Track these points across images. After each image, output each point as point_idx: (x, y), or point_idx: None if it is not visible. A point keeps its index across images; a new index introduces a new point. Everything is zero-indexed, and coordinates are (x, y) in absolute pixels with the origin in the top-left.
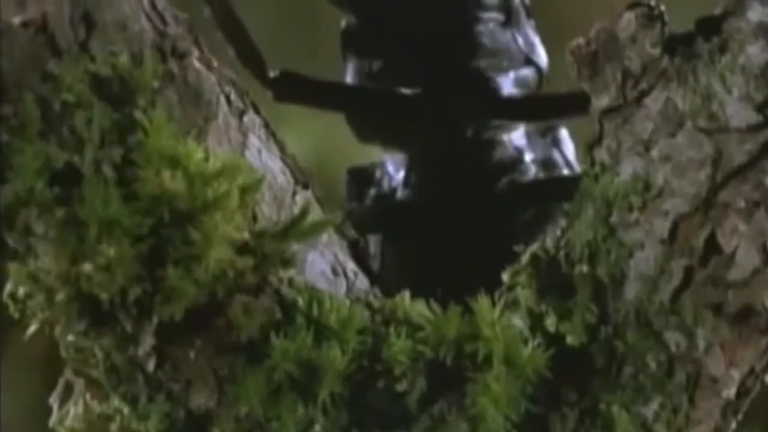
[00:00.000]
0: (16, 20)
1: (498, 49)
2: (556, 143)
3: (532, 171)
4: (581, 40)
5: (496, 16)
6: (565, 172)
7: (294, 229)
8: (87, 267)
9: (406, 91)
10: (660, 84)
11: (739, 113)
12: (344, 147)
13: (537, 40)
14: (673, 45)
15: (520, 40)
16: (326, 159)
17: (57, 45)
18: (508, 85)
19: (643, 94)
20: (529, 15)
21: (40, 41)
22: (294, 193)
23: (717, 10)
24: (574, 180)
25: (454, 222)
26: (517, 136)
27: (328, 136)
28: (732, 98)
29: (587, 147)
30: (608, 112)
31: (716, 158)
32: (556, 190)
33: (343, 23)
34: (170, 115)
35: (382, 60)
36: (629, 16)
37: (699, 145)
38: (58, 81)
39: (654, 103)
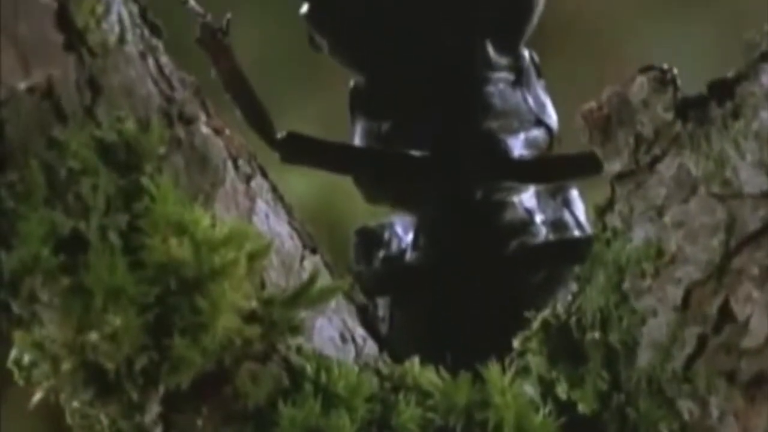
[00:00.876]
0: (22, 85)
1: (508, 110)
2: (567, 204)
3: (543, 233)
4: (593, 104)
5: (506, 76)
6: (576, 233)
7: (303, 296)
8: (93, 336)
9: (415, 153)
10: (673, 149)
11: (752, 179)
12: (351, 188)
13: (547, 101)
14: (686, 109)
15: (531, 101)
16: (333, 199)
17: (62, 110)
18: (518, 146)
19: (656, 159)
20: (539, 74)
21: (46, 107)
22: (302, 258)
23: (730, 74)
24: (585, 242)
25: (463, 285)
26: (527, 197)
27: (335, 177)
28: (745, 164)
29: (599, 211)
30: (621, 177)
31: (730, 224)
32: (566, 253)
33: (351, 83)
34: (177, 181)
35: (391, 121)
36: (641, 80)
37: (712, 211)
38: (64, 147)
39: (667, 168)
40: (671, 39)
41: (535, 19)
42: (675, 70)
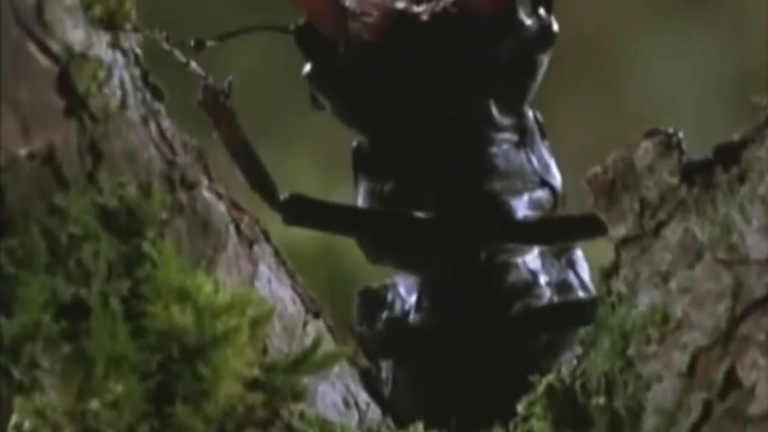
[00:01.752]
0: (22, 151)
1: (512, 171)
2: (571, 264)
3: (547, 295)
4: (598, 169)
5: (510, 136)
6: (581, 294)
7: (305, 362)
8: (94, 403)
9: (418, 214)
10: (678, 214)
11: (758, 245)
12: None
13: (551, 161)
14: (691, 174)
15: (535, 161)
16: (335, 244)
17: (64, 176)
18: (522, 207)
19: (662, 224)
20: (543, 135)
21: (47, 173)
22: (305, 323)
23: (735, 137)
24: (589, 304)
25: (467, 348)
26: (531, 258)
27: None
28: (751, 229)
29: (603, 274)
30: (626, 241)
31: (736, 290)
32: (571, 315)
33: (354, 143)
34: (179, 247)
35: (394, 182)
36: (646, 145)
37: (718, 276)
38: (65, 213)
39: (672, 233)
40: (673, 49)
41: (539, 78)
42: (680, 134)
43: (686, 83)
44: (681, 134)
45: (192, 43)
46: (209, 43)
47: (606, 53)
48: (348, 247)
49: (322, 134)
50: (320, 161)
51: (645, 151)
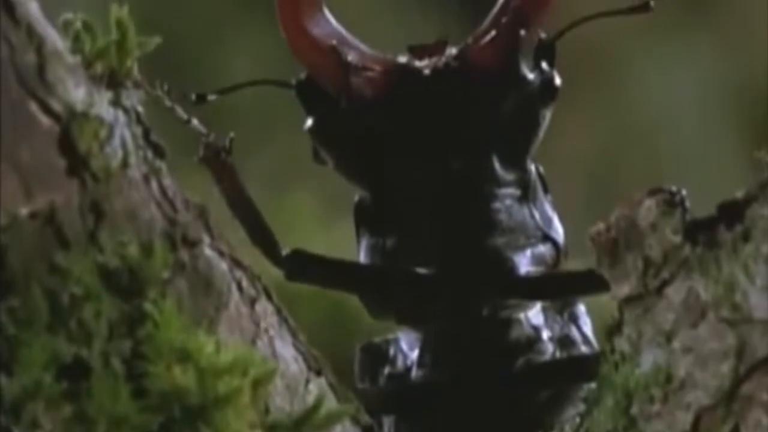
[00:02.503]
0: (23, 211)
1: (515, 226)
2: (574, 319)
3: (550, 350)
4: (601, 227)
5: (513, 191)
6: (584, 349)
7: (308, 422)
8: None
9: (420, 270)
10: (682, 273)
11: (762, 304)
12: None
13: (554, 215)
14: (694, 232)
15: (537, 216)
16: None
17: (65, 236)
18: (524, 263)
19: (665, 283)
20: (546, 189)
21: (48, 233)
22: (307, 381)
23: (739, 195)
24: (592, 359)
25: (469, 404)
26: (533, 313)
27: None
28: (755, 289)
29: (607, 333)
30: (629, 300)
31: (739, 350)
32: (574, 371)
33: (356, 198)
34: (181, 306)
35: (396, 237)
36: (649, 203)
37: (722, 336)
38: (66, 273)
39: (676, 293)
40: (674, 61)
41: (542, 133)
42: (684, 192)
43: (687, 95)
44: (684, 192)
45: (193, 96)
46: (210, 97)
47: (607, 65)
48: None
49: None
50: (320, 195)
51: (648, 209)
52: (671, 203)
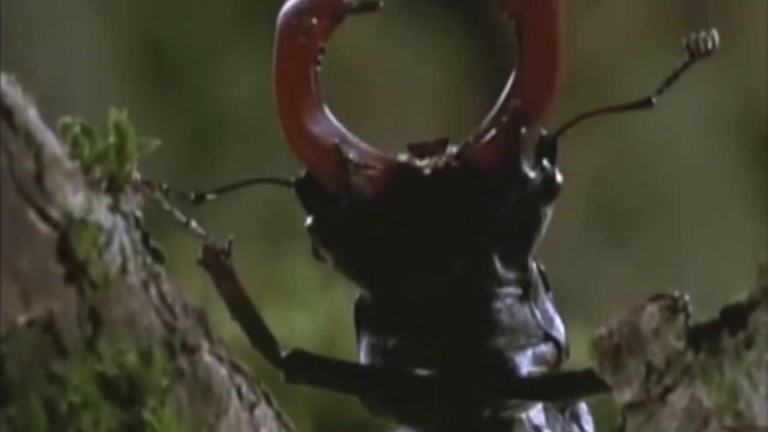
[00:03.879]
0: (21, 319)
1: (516, 326)
2: (576, 418)
3: None
4: (603, 332)
5: (514, 290)
6: None
7: None
8: None
9: (421, 371)
10: (685, 380)
11: (765, 412)
12: (353, 326)
13: (555, 314)
14: (697, 338)
15: (538, 315)
16: (338, 339)
17: (63, 344)
18: (526, 363)
19: (668, 389)
20: (547, 288)
21: (46, 341)
22: None
23: (742, 299)
24: None
25: None
26: (535, 413)
27: (339, 315)
28: (758, 396)
29: None
30: (631, 407)
31: None
32: None
33: (357, 295)
34: (180, 414)
35: (397, 337)
36: (652, 309)
37: None
38: (65, 382)
39: (678, 399)
40: (675, 86)
41: (544, 231)
42: (686, 297)
43: (688, 118)
44: (687, 297)
45: (192, 196)
46: (209, 197)
47: (607, 89)
48: (349, 340)
49: None
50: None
51: (650, 315)
52: (674, 309)
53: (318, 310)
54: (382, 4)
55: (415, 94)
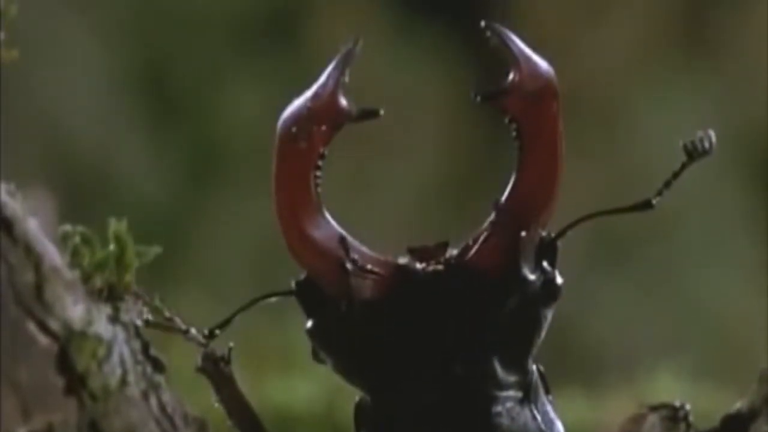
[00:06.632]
0: None
1: (517, 430)
2: None
3: None
4: None
5: (514, 393)
6: None
7: None
8: None
9: None
10: None
11: None
12: (354, 392)
13: (556, 417)
14: None
15: (539, 418)
16: (339, 403)
17: None
18: None
19: None
20: (547, 390)
21: None
22: None
23: (743, 407)
24: None
25: None
26: None
27: (339, 381)
28: None
29: None
30: None
31: None
32: None
33: (357, 399)
34: None
35: None
36: (653, 419)
37: None
38: None
39: None
40: (674, 104)
41: (544, 333)
42: (687, 407)
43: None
44: (688, 407)
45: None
46: (215, 332)
47: (607, 108)
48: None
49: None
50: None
51: (652, 425)
52: (674, 419)
53: (318, 376)
54: (382, 112)
55: (417, 114)
